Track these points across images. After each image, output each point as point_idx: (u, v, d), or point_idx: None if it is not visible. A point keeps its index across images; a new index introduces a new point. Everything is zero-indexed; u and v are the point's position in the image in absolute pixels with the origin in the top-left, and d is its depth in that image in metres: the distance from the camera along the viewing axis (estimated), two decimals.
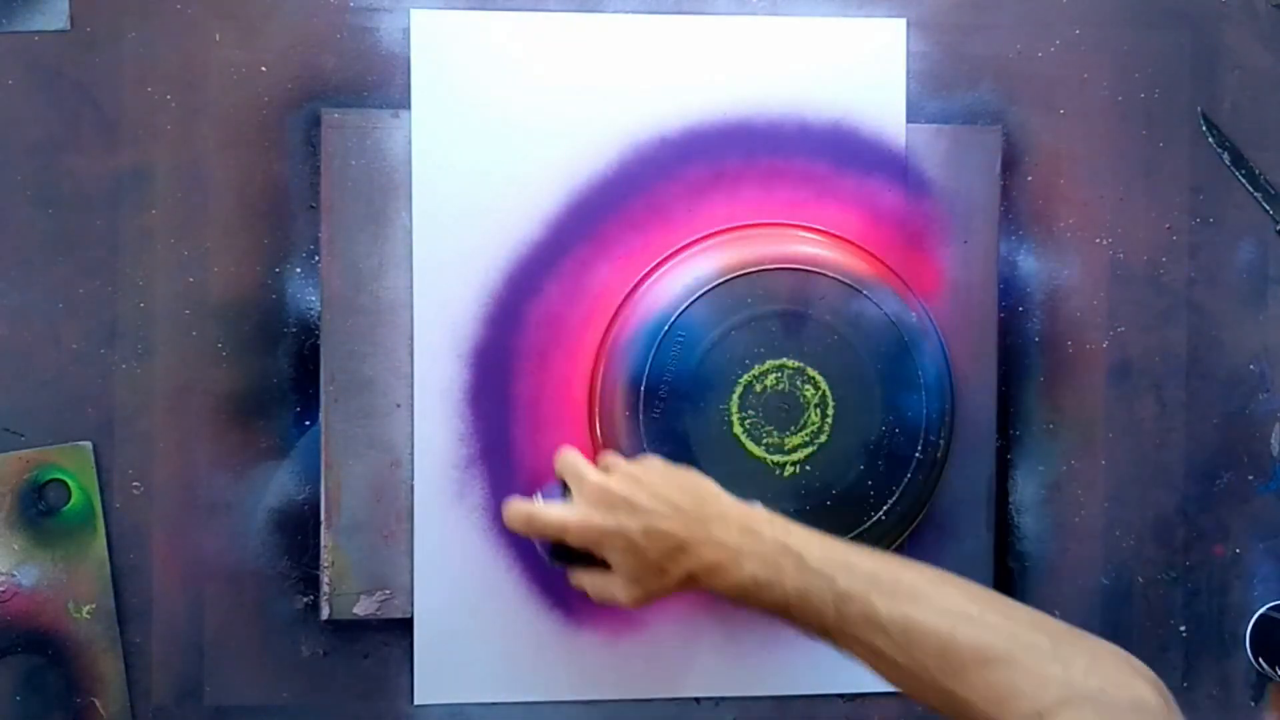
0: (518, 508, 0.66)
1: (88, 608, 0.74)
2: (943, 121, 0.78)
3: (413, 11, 0.75)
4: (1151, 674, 0.53)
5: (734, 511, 0.64)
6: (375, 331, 0.75)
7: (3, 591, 0.73)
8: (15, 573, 0.73)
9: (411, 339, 0.75)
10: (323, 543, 0.75)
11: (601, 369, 0.74)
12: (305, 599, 0.76)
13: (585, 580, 0.67)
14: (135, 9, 0.74)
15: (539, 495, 0.68)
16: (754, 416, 0.73)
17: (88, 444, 0.74)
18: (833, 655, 0.78)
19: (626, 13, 0.77)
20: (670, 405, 0.72)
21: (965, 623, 0.55)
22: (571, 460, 0.68)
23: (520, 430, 0.76)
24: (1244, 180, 0.81)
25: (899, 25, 0.78)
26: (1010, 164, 0.79)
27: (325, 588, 0.75)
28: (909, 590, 0.57)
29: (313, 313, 0.75)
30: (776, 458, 0.73)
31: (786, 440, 0.73)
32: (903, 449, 0.74)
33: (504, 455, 0.76)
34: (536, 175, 0.76)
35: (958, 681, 0.54)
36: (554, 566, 0.69)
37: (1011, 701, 0.52)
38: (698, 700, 0.78)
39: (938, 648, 0.55)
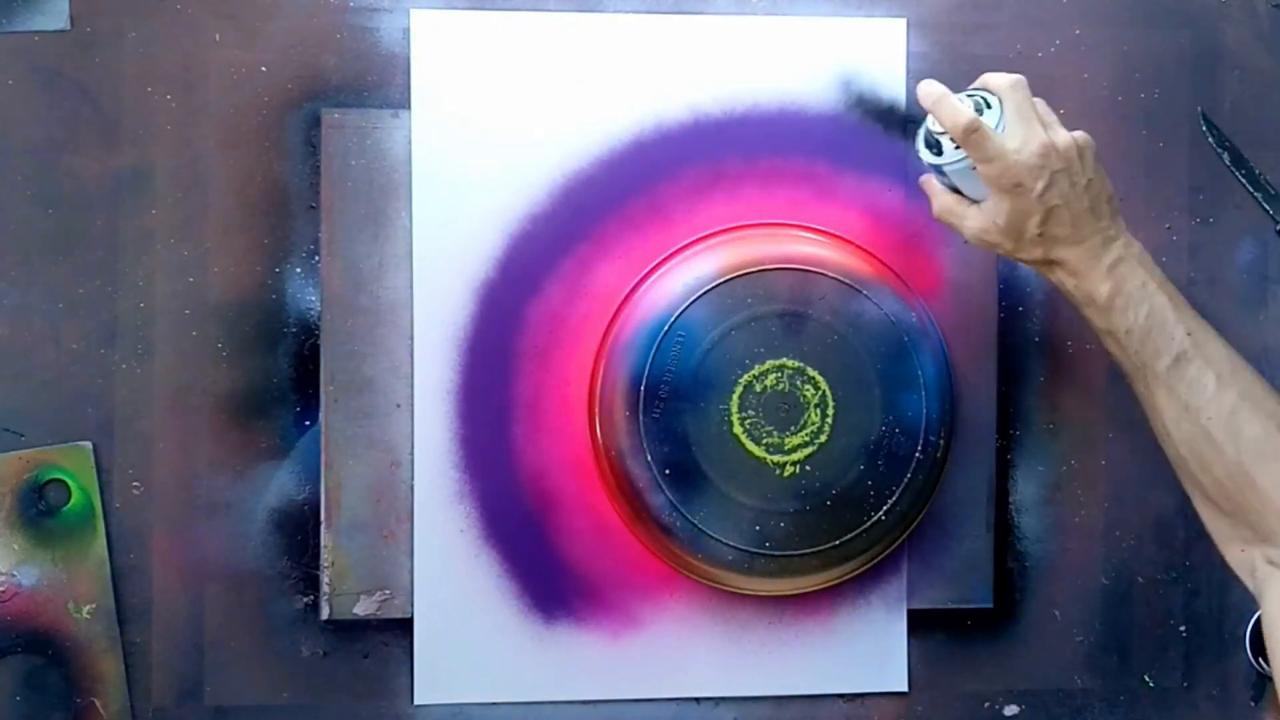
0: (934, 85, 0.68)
1: (88, 608, 0.74)
2: None
3: (413, 11, 0.75)
4: None
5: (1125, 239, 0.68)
6: (375, 331, 0.75)
7: (3, 591, 0.73)
8: (15, 573, 0.73)
9: (411, 339, 0.75)
10: (323, 543, 0.75)
11: (601, 369, 0.74)
12: (305, 599, 0.76)
13: (943, 197, 0.70)
14: (135, 9, 0.74)
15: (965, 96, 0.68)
16: (754, 416, 0.73)
17: (88, 444, 0.74)
18: (832, 655, 0.78)
19: (626, 13, 0.77)
20: (670, 405, 0.72)
21: None
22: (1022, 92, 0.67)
23: (520, 430, 0.76)
24: (1244, 180, 0.81)
25: (899, 25, 0.78)
26: None
27: (325, 588, 0.75)
28: (1247, 383, 0.66)
29: (313, 313, 0.75)
30: (776, 458, 0.73)
31: (786, 440, 0.73)
32: (903, 449, 0.74)
33: (504, 455, 0.76)
34: (536, 175, 0.76)
35: (1262, 470, 0.64)
36: (920, 159, 0.70)
37: None
38: (698, 700, 0.78)
39: (1261, 432, 0.64)
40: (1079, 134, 0.67)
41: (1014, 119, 0.67)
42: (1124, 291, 0.66)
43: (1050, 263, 0.67)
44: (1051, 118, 0.68)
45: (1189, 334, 0.66)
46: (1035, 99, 0.68)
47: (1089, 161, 0.67)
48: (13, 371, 0.74)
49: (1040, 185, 0.65)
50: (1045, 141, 0.66)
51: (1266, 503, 0.64)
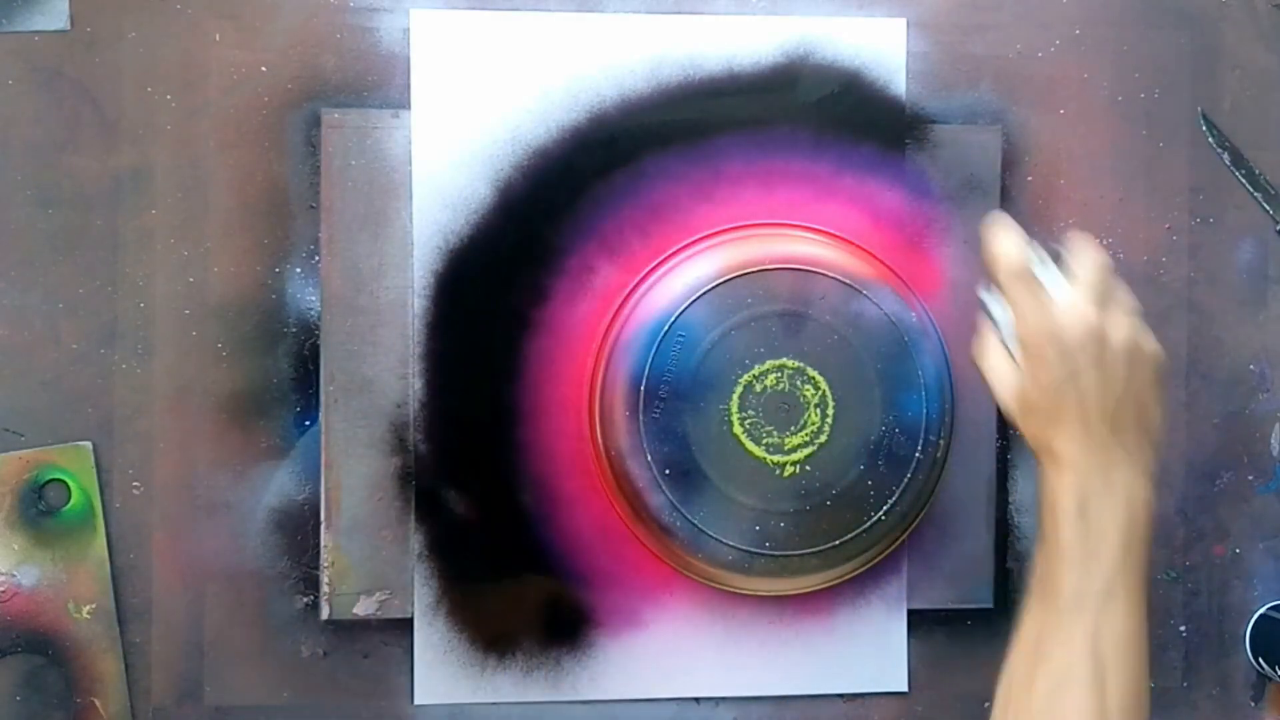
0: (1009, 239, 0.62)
1: (88, 608, 0.74)
2: (943, 121, 0.78)
3: (412, 11, 0.75)
4: None
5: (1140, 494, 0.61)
6: (375, 331, 0.75)
7: (3, 591, 0.73)
8: (15, 573, 0.73)
9: (411, 339, 0.75)
10: (323, 543, 0.75)
11: (601, 369, 0.74)
12: (305, 599, 0.76)
13: (993, 352, 0.65)
14: (135, 9, 0.74)
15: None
16: (754, 416, 0.73)
17: (88, 444, 0.74)
18: (832, 655, 0.78)
19: (626, 13, 0.77)
20: (670, 405, 0.72)
21: None
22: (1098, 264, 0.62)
23: (520, 430, 0.76)
24: (1244, 180, 0.81)
25: (899, 25, 0.78)
26: (1010, 164, 0.79)
27: (325, 588, 0.75)
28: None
29: (313, 313, 0.75)
30: (776, 458, 0.73)
31: (786, 440, 0.73)
32: (903, 449, 0.74)
33: (504, 455, 0.76)
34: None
35: None
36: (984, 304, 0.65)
37: None
38: (698, 700, 0.78)
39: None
40: (1150, 345, 0.63)
41: (1082, 292, 0.62)
42: (1091, 529, 0.60)
43: (1047, 449, 0.62)
44: (1127, 307, 0.63)
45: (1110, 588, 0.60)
46: (1120, 288, 0.63)
47: (1141, 375, 0.62)
48: (13, 371, 0.74)
49: (1064, 369, 0.60)
50: (1095, 328, 0.61)
51: None
